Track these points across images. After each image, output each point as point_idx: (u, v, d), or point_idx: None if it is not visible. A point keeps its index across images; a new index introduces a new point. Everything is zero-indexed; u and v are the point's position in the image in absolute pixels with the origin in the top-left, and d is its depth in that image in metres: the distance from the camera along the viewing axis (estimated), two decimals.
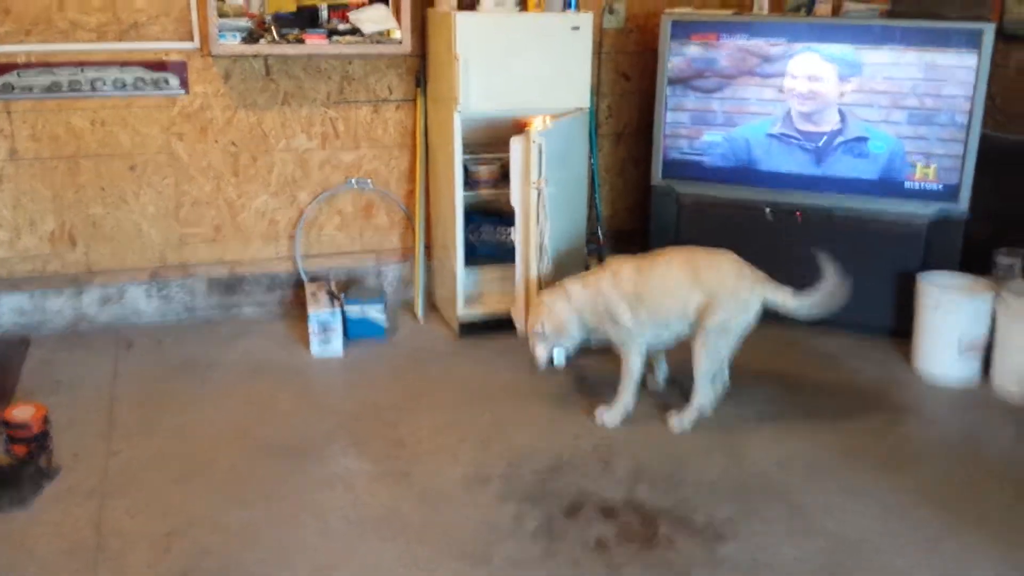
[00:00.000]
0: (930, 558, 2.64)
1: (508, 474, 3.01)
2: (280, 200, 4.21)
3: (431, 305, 4.39)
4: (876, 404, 3.59)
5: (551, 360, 3.45)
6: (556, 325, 3.28)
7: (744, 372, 3.73)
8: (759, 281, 3.30)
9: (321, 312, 3.84)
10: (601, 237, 4.52)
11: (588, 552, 2.62)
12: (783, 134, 4.10)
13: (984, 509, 2.89)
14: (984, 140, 3.87)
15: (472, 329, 4.04)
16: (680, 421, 3.32)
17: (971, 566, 2.61)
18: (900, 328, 4.02)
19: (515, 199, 3.65)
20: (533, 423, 3.35)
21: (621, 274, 3.29)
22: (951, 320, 3.69)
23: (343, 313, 3.92)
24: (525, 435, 3.26)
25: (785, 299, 3.29)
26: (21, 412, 3.07)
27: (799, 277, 4.12)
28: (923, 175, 3.96)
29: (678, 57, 4.15)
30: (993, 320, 3.69)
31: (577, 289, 3.31)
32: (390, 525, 2.74)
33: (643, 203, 4.57)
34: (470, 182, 4.05)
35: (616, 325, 3.27)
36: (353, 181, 4.27)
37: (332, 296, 3.97)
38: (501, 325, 3.93)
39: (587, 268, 4.31)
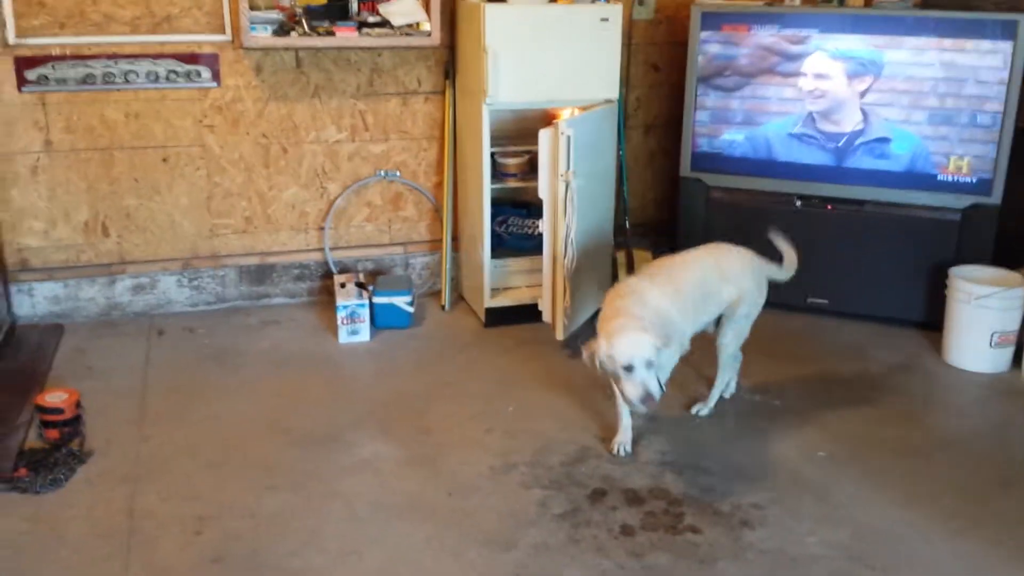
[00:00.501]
0: (956, 548, 2.62)
1: (533, 462, 3.02)
2: (310, 192, 4.24)
3: (458, 295, 4.41)
4: (905, 394, 3.57)
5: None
6: (659, 347, 2.76)
7: (772, 361, 3.72)
8: (762, 261, 3.35)
9: (350, 301, 3.87)
10: (629, 229, 4.51)
11: (613, 538, 2.63)
12: (804, 134, 4.07)
13: (1011, 501, 2.86)
14: (1018, 133, 3.82)
15: (498, 319, 4.06)
16: (705, 404, 3.36)
17: (996, 557, 2.58)
18: (930, 319, 3.98)
19: (543, 191, 3.66)
20: (559, 412, 3.35)
21: (667, 284, 3.04)
22: (983, 313, 3.65)
23: (371, 303, 3.95)
24: (551, 424, 3.27)
25: (778, 272, 3.39)
26: (54, 397, 3.12)
27: (831, 269, 4.13)
28: (956, 168, 3.92)
29: (708, 49, 4.14)
30: None
31: (650, 309, 2.92)
32: (417, 511, 2.76)
33: (672, 195, 4.56)
34: (498, 174, 4.06)
35: (676, 336, 3.04)
36: (382, 173, 4.30)
37: (360, 286, 4.00)
38: (527, 315, 3.94)
39: (614, 260, 4.32)
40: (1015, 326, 3.67)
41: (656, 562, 2.53)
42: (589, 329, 3.90)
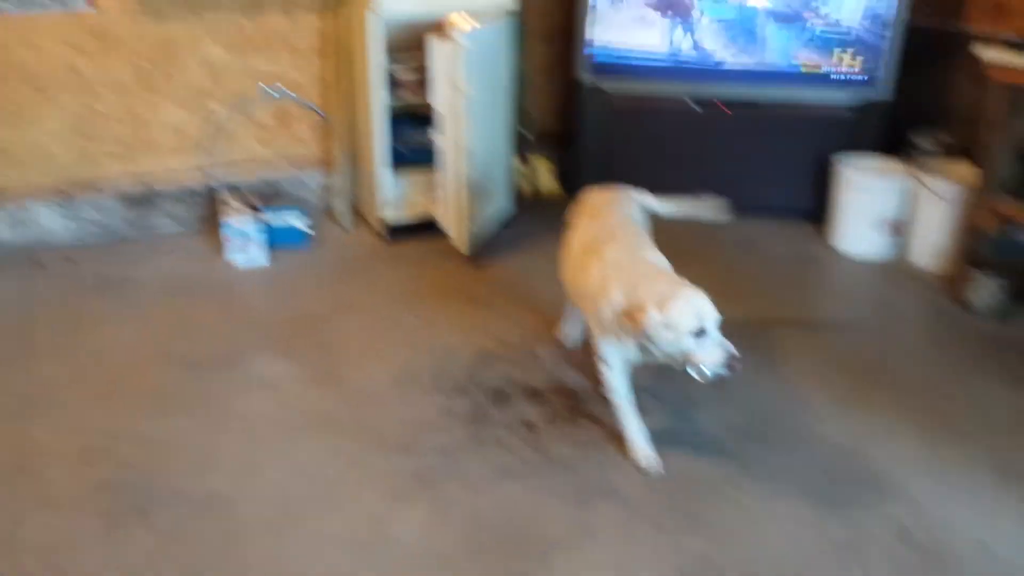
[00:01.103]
0: (845, 424, 2.72)
1: (436, 370, 3.00)
2: (193, 112, 4.05)
3: (356, 212, 4.30)
4: (798, 282, 3.66)
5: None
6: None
7: (669, 257, 3.75)
8: None
9: (240, 222, 3.75)
10: (530, 139, 4.46)
11: (516, 435, 2.63)
12: (697, 42, 4.06)
13: (898, 377, 2.97)
14: (909, 30, 3.88)
15: (399, 233, 3.98)
16: None
17: (878, 426, 2.70)
18: (823, 211, 4.06)
19: (438, 102, 3.57)
20: (461, 322, 3.33)
21: (645, 242, 2.71)
22: (870, 200, 3.74)
23: (264, 223, 3.83)
24: (453, 333, 3.24)
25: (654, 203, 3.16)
26: None
27: (729, 168, 4.17)
28: (848, 65, 3.96)
29: None
30: (911, 199, 3.74)
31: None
32: (319, 426, 2.72)
33: (573, 104, 4.51)
34: (392, 87, 3.93)
35: None
36: (268, 89, 4.13)
37: (251, 206, 3.87)
38: (429, 229, 3.87)
39: (516, 171, 4.27)
40: (901, 211, 3.77)
41: (558, 454, 2.55)
42: (494, 245, 3.88)
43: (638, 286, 2.35)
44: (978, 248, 3.47)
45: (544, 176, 4.55)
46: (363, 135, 4.07)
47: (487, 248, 3.86)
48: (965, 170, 3.64)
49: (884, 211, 3.75)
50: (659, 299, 2.28)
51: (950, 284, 3.54)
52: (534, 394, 2.84)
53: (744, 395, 2.84)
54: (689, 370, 2.29)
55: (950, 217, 3.60)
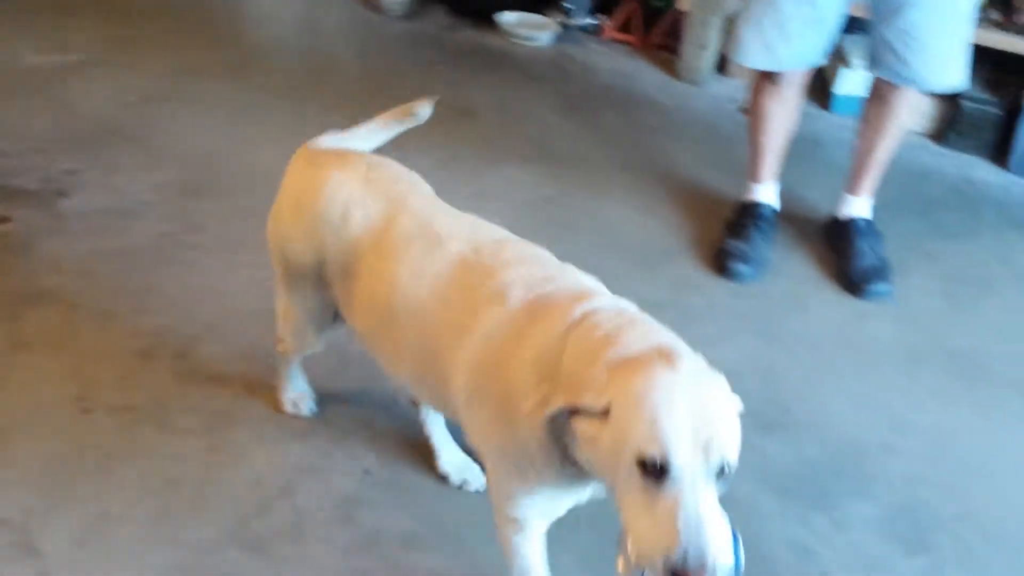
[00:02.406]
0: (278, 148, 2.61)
1: None
2: None
3: None
4: (248, 28, 3.46)
5: None
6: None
7: (67, 16, 3.28)
8: None
9: None
10: None
11: None
12: None
13: (332, 84, 2.96)
14: None
15: None
16: None
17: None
18: None
19: None
20: None
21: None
22: None
23: None
24: None
25: None
26: None
27: None
28: None
29: None
30: None
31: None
32: None
33: None
34: None
35: None
36: None
37: None
38: None
39: None
40: None
41: None
42: None
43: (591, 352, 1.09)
44: None
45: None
46: None
47: None
48: None
49: None
50: (619, 361, 1.06)
51: None
52: None
53: (174, 148, 2.57)
54: (618, 546, 1.05)
55: None
